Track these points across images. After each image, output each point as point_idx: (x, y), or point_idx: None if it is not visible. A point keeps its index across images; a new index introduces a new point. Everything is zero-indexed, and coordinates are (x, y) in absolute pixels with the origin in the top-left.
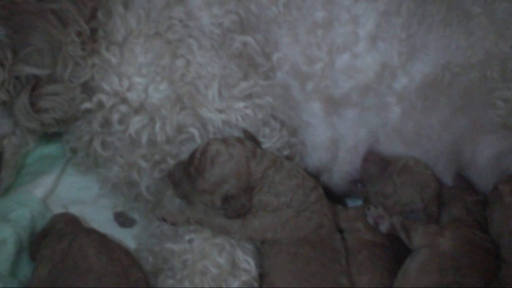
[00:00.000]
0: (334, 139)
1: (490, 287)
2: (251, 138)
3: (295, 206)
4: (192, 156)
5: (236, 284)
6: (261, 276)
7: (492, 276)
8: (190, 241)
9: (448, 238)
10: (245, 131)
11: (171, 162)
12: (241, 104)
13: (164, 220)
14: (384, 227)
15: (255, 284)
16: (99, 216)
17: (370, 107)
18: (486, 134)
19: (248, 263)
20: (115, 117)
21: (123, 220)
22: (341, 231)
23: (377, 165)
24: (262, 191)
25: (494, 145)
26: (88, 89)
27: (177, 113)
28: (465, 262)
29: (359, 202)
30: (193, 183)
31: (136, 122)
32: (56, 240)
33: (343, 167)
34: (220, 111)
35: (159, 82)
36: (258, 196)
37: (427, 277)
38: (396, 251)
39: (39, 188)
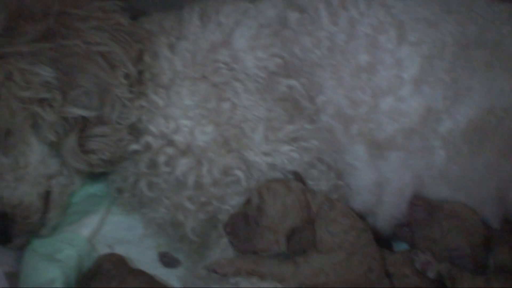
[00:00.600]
0: (379, 182)
1: None
2: (300, 180)
3: (347, 248)
4: (248, 200)
5: None
6: None
7: None
8: (236, 283)
9: None
10: (295, 173)
11: (216, 204)
12: (286, 148)
13: (215, 271)
14: (432, 274)
15: None
16: (143, 256)
17: (415, 150)
18: None
19: None
20: (162, 158)
21: (167, 260)
22: (388, 275)
23: (424, 210)
24: (321, 228)
25: None
26: (135, 130)
27: (223, 155)
28: None
29: (403, 245)
30: (256, 224)
31: (182, 164)
32: (104, 282)
33: (388, 211)
34: (266, 154)
35: (205, 124)
36: (318, 232)
37: None
38: None
39: (85, 228)
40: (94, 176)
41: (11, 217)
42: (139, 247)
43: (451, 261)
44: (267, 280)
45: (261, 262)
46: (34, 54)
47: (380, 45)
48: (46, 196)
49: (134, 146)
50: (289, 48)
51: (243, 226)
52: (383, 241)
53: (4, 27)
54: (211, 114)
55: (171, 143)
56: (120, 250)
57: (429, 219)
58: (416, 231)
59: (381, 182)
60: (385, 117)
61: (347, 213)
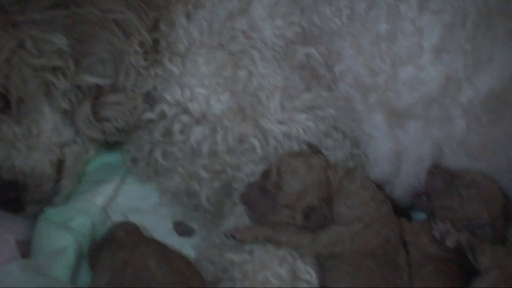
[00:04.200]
0: (397, 151)
1: None
2: (316, 150)
3: (365, 219)
4: (267, 173)
5: None
6: None
7: None
8: (251, 251)
9: None
10: (310, 144)
11: (231, 172)
12: (302, 116)
13: (233, 237)
14: (450, 243)
15: None
16: (158, 225)
17: (434, 119)
18: None
19: (309, 274)
20: (177, 127)
21: (182, 229)
22: (404, 244)
23: (443, 179)
24: (339, 202)
25: None
26: (150, 99)
27: (238, 123)
28: None
29: (421, 215)
30: (273, 200)
31: (197, 132)
32: (116, 249)
33: (406, 180)
34: (281, 122)
35: (221, 92)
36: (336, 207)
37: None
38: (462, 266)
39: (99, 197)
40: (109, 146)
41: (23, 185)
42: (153, 216)
43: (470, 230)
44: (283, 248)
45: (279, 230)
46: (47, 21)
47: (401, 14)
48: (59, 165)
49: (149, 115)
50: (308, 16)
51: (260, 199)
52: (401, 210)
53: None
54: (227, 82)
55: (186, 111)
56: (134, 219)
57: (448, 189)
58: (434, 201)
59: (399, 151)
60: (404, 86)
61: (367, 185)
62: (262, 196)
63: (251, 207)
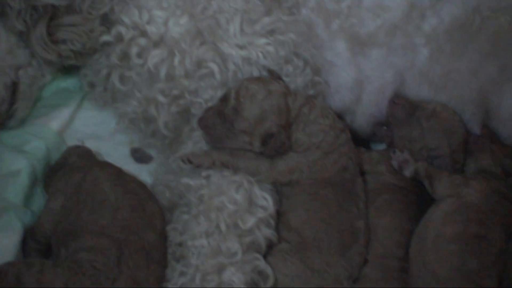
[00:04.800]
0: (358, 80)
1: None
2: (276, 76)
3: (324, 147)
4: (225, 98)
5: (252, 221)
6: (278, 214)
7: None
8: (207, 176)
9: (474, 189)
10: (270, 70)
11: (189, 97)
12: (262, 41)
13: (189, 161)
14: (408, 172)
15: (272, 222)
16: (115, 152)
17: (397, 47)
18: None
19: (265, 200)
20: (134, 50)
21: (139, 156)
22: (363, 174)
23: (404, 109)
24: (298, 129)
25: None
26: (107, 21)
27: (197, 47)
28: (490, 215)
29: (381, 146)
30: (231, 125)
31: (155, 55)
32: (69, 173)
33: (367, 109)
34: (241, 47)
35: (179, 15)
36: (294, 134)
37: (450, 227)
38: (418, 196)
39: (55, 121)
40: (66, 70)
41: None
42: (110, 142)
43: (429, 161)
44: (240, 173)
45: (236, 155)
46: None
47: None
48: (14, 88)
49: (106, 37)
50: None
51: (218, 123)
52: (361, 141)
53: None
54: (185, 5)
55: (143, 34)
56: (91, 145)
57: (409, 119)
58: (395, 131)
59: (361, 79)
60: (368, 12)
61: (326, 113)
62: (220, 121)
63: (208, 131)
